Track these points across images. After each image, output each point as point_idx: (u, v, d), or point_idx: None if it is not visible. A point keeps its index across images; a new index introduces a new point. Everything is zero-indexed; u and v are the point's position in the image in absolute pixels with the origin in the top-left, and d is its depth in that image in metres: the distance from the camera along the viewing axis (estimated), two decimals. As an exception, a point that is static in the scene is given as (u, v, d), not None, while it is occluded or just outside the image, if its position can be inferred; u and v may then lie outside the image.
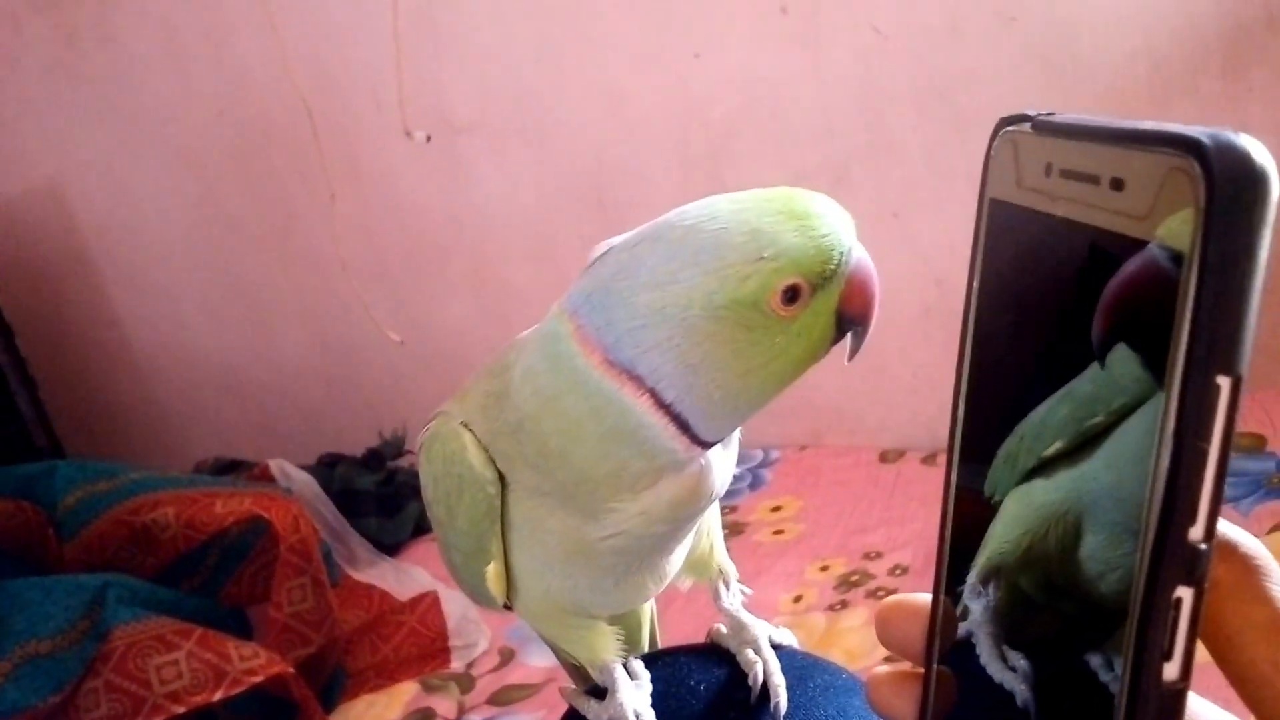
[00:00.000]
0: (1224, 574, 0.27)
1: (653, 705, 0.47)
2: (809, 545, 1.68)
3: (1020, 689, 0.29)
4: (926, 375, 1.88)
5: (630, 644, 0.59)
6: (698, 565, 0.53)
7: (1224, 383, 0.23)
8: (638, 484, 0.43)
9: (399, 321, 2.11)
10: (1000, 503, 0.31)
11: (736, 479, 1.87)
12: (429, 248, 2.10)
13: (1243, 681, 0.27)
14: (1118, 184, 0.25)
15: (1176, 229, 0.23)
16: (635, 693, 0.47)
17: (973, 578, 0.32)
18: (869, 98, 1.77)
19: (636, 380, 0.41)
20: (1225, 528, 0.28)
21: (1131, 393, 0.25)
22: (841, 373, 1.83)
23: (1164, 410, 0.23)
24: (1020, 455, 0.30)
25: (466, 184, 2.03)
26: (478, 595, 0.50)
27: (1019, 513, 0.30)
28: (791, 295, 0.41)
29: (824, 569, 1.61)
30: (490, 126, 1.99)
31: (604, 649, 0.50)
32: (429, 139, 2.01)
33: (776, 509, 1.81)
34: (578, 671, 0.59)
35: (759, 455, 1.99)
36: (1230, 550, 0.27)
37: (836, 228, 0.43)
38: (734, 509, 1.83)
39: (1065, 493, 0.26)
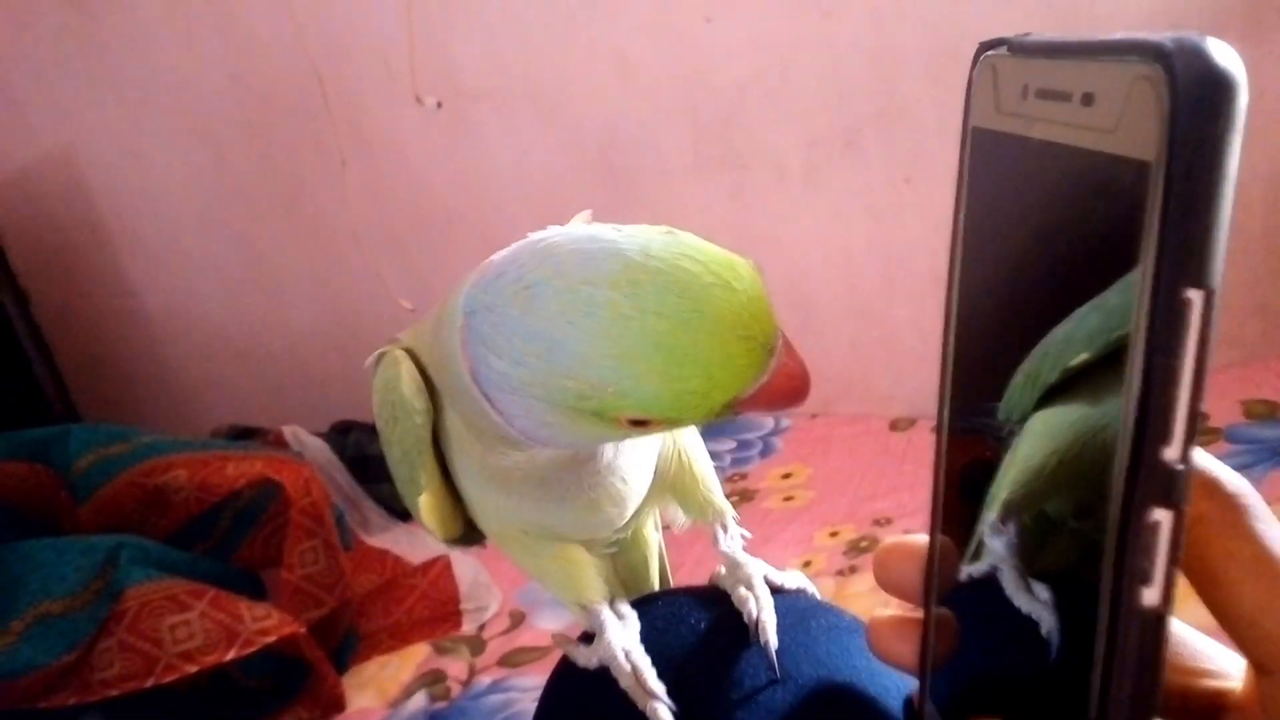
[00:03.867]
0: (1208, 510, 0.27)
1: (651, 643, 0.47)
2: (819, 511, 1.68)
3: (1048, 618, 0.28)
4: (938, 343, 1.87)
5: (638, 584, 0.58)
6: (684, 500, 0.52)
7: (1195, 297, 0.22)
8: (517, 444, 0.43)
9: (410, 288, 2.11)
10: (1014, 431, 0.30)
11: (747, 446, 1.90)
12: (440, 214, 2.10)
13: (1227, 620, 0.27)
14: (1088, 99, 0.25)
15: (1142, 139, 0.22)
16: (623, 632, 0.47)
17: (993, 514, 0.31)
18: (881, 61, 1.76)
19: (491, 404, 0.41)
20: (1210, 464, 0.27)
21: None
22: (853, 341, 1.82)
23: (1134, 327, 0.23)
24: (1043, 371, 0.29)
25: (477, 151, 2.03)
26: (424, 525, 0.50)
27: (1045, 433, 0.29)
28: (640, 422, 0.38)
29: (833, 535, 1.61)
30: (500, 93, 1.98)
31: (586, 588, 0.50)
32: (440, 105, 2.00)
33: (787, 476, 1.81)
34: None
35: (770, 423, 1.99)
36: (1215, 487, 0.27)
37: (720, 378, 0.37)
38: (744, 475, 1.83)
39: (1100, 409, 0.25)
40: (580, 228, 0.40)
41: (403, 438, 0.47)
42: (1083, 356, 0.26)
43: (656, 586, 0.60)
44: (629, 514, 0.51)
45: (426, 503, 0.48)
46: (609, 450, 0.46)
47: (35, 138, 2.27)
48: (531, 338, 0.37)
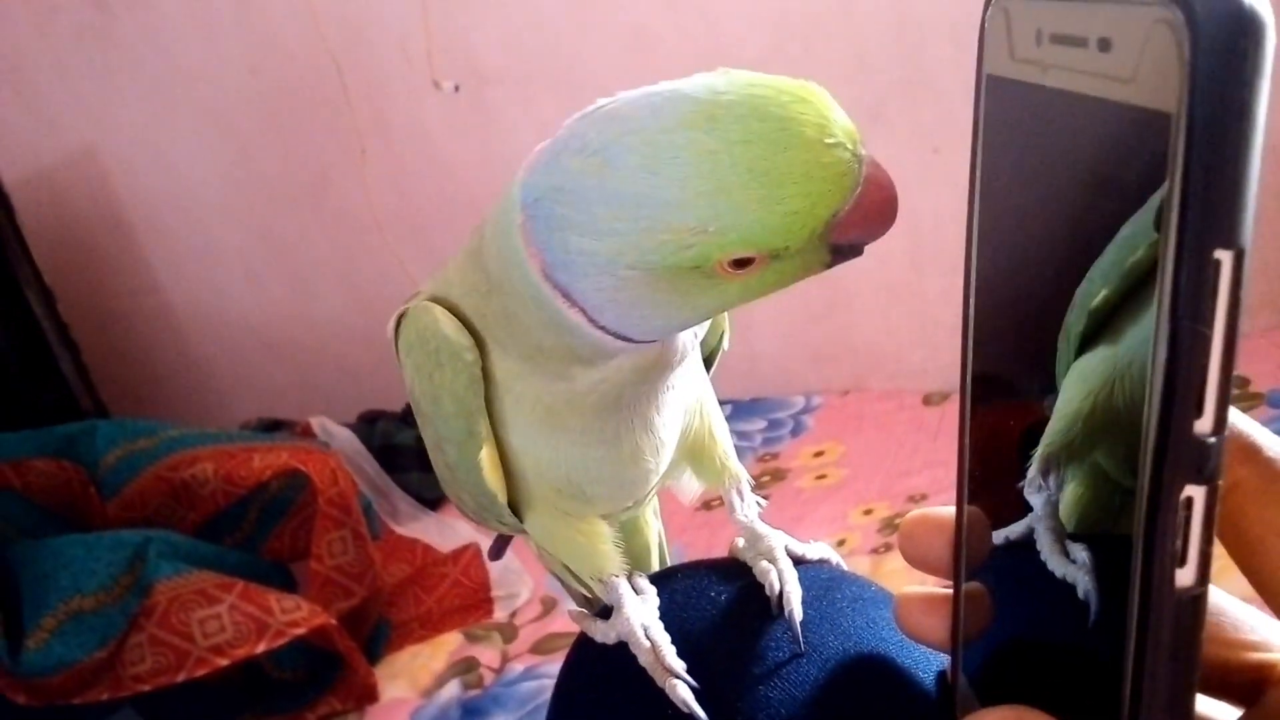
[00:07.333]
0: (1246, 476, 0.26)
1: (673, 616, 0.45)
2: (852, 489, 1.66)
3: (1084, 582, 0.27)
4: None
5: (639, 566, 0.57)
6: (701, 464, 0.51)
7: (1224, 258, 0.20)
8: (592, 359, 0.42)
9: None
10: (1046, 391, 0.29)
11: (778, 425, 1.88)
12: (461, 200, 2.09)
13: (1267, 590, 0.26)
14: (1104, 44, 0.23)
15: (1163, 89, 0.21)
16: (641, 607, 0.46)
17: (1033, 471, 0.30)
18: (904, 31, 1.73)
19: (570, 299, 0.39)
20: (1250, 427, 0.26)
21: None
22: (883, 316, 1.79)
23: (1159, 292, 0.21)
24: (1073, 322, 0.27)
25: (497, 135, 2.02)
26: (479, 501, 0.48)
27: (1079, 378, 0.28)
28: (743, 262, 0.37)
29: (868, 513, 1.59)
30: (518, 75, 1.96)
31: (606, 559, 0.48)
32: (457, 89, 1.99)
33: (819, 454, 1.79)
34: (588, 601, 0.58)
35: (800, 401, 1.97)
36: (1254, 452, 0.26)
37: (820, 191, 0.35)
38: (775, 455, 1.81)
39: (1128, 345, 0.24)
40: (629, 91, 0.38)
41: (454, 383, 0.44)
42: (1103, 294, 0.26)
43: (656, 568, 0.58)
44: (660, 474, 0.50)
45: (489, 457, 0.46)
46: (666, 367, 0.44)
47: (58, 136, 2.27)
48: (614, 201, 0.36)
